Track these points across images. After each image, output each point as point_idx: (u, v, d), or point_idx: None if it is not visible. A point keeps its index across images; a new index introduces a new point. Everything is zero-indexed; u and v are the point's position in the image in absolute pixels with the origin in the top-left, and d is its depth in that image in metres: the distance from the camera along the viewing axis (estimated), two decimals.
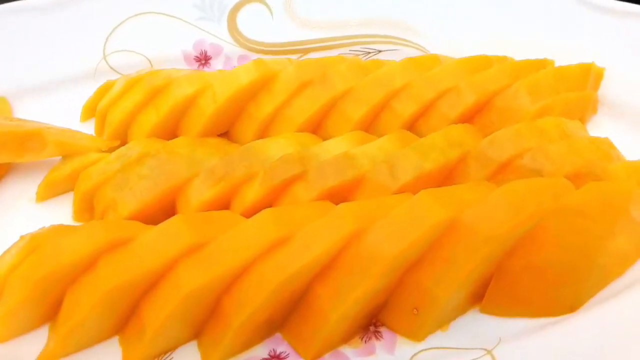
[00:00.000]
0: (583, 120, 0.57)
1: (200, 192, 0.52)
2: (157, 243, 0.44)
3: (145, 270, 0.43)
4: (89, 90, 0.67)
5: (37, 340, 0.47)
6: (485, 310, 0.45)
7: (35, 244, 0.47)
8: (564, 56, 0.60)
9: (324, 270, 0.44)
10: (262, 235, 0.44)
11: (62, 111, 0.66)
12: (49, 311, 0.47)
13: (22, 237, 0.50)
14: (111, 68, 0.69)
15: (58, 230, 0.49)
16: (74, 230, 0.47)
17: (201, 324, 0.46)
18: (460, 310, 0.46)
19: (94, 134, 0.64)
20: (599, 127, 0.56)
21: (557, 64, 0.60)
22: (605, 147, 0.51)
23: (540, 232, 0.43)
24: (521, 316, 0.45)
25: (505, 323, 0.45)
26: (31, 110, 0.65)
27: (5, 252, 0.50)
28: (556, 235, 0.43)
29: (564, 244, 0.43)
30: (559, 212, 0.43)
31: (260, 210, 0.52)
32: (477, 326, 0.45)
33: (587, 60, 0.60)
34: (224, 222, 0.47)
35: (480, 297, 0.46)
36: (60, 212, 0.57)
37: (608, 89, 0.58)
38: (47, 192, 0.58)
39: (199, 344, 0.46)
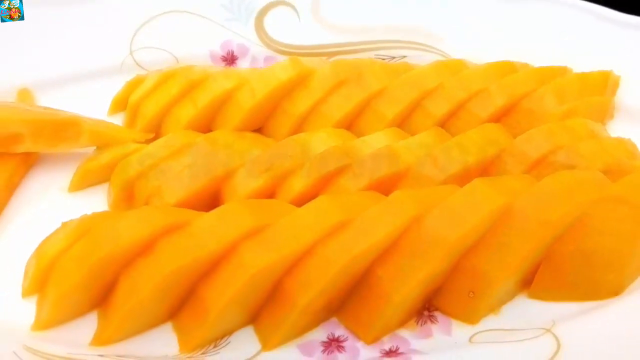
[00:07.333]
0: (601, 124, 0.61)
1: (248, 182, 0.52)
2: (218, 225, 0.45)
3: (207, 252, 0.44)
4: (114, 84, 0.66)
5: (83, 326, 0.46)
6: (533, 295, 0.48)
7: (85, 228, 0.47)
8: (579, 66, 0.64)
9: (384, 253, 0.45)
10: (324, 219, 0.45)
11: (87, 104, 0.65)
12: (98, 296, 0.47)
13: (64, 223, 0.49)
14: (137, 64, 0.69)
15: (109, 215, 0.49)
16: (128, 214, 0.46)
17: (258, 309, 0.46)
18: (510, 295, 0.48)
19: None
20: (615, 132, 0.59)
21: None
22: (629, 147, 0.55)
23: (586, 220, 0.46)
24: (567, 300, 0.47)
25: (549, 308, 0.47)
26: (55, 103, 0.64)
27: (49, 237, 0.49)
28: (601, 222, 0.46)
29: (608, 230, 0.46)
30: (603, 200, 0.46)
31: (306, 201, 0.54)
32: (527, 309, 0.47)
33: (601, 69, 0.64)
34: (279, 208, 0.48)
35: (527, 283, 0.48)
36: (93, 202, 0.57)
37: (623, 96, 0.62)
38: (82, 182, 0.57)
39: (257, 329, 0.47)
